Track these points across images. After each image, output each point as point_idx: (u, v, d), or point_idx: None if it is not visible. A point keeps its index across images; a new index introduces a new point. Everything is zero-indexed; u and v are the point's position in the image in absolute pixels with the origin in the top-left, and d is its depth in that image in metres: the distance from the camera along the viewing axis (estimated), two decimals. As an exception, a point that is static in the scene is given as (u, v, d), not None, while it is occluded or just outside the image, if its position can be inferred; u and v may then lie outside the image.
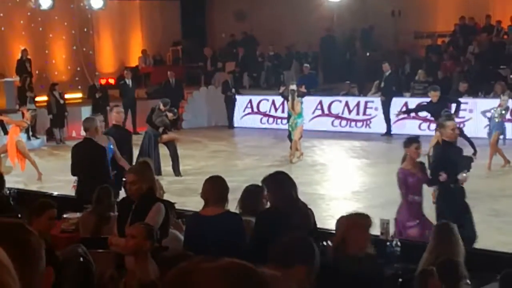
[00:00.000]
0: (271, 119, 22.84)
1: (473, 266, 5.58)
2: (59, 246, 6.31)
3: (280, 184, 6.34)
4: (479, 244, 8.87)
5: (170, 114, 15.70)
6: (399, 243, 7.03)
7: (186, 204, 11.00)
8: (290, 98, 16.77)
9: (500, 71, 22.03)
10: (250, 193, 6.62)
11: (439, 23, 25.73)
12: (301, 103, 16.83)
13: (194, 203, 11.68)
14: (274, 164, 16.30)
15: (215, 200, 5.99)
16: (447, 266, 5.52)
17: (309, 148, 18.14)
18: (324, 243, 6.76)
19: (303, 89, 17.78)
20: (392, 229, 7.59)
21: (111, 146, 10.07)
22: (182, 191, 13.51)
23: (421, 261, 6.14)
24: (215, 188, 6.05)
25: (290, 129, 16.97)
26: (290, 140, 16.96)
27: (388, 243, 7.11)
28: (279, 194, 6.26)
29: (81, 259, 6.09)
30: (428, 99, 18.49)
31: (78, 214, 8.26)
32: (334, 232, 6.22)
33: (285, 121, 20.96)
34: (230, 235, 5.85)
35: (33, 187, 13.64)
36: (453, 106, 15.30)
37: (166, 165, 15.16)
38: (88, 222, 7.75)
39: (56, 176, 14.88)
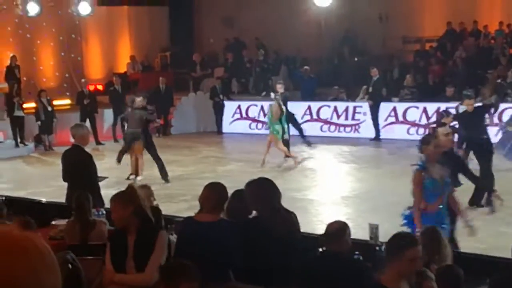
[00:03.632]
0: (260, 125, 22.83)
1: (462, 269, 5.58)
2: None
3: (262, 191, 6.28)
4: (472, 247, 8.90)
5: (138, 99, 15.75)
6: (388, 248, 7.03)
7: (169, 210, 10.96)
8: (277, 102, 16.78)
9: (487, 75, 22.13)
10: (237, 199, 6.58)
11: (427, 28, 25.85)
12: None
13: (179, 209, 11.72)
14: (264, 170, 16.30)
15: (211, 207, 5.94)
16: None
17: (298, 153, 18.15)
18: (319, 249, 6.76)
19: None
20: (381, 234, 7.59)
21: (448, 180, 8.00)
22: (169, 196, 13.50)
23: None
24: (212, 194, 6.00)
25: (281, 135, 16.92)
26: (286, 144, 16.93)
27: (377, 248, 7.12)
28: (261, 201, 6.20)
29: (70, 266, 6.07)
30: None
31: (66, 221, 8.22)
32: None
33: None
34: (223, 244, 5.81)
35: (21, 193, 13.57)
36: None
37: (151, 170, 15.14)
38: (73, 230, 7.72)
39: (45, 183, 14.83)
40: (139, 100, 15.59)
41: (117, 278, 5.81)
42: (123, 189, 6.08)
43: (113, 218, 5.96)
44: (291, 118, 17.95)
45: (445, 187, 7.95)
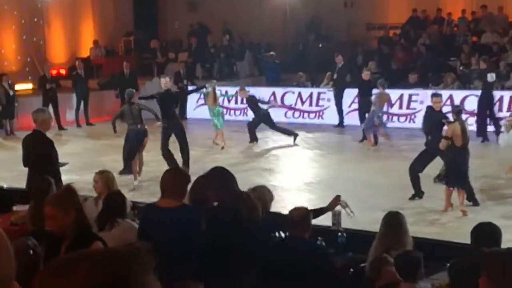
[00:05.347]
0: (225, 110, 22.76)
1: (421, 254, 5.65)
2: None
3: (223, 180, 6.30)
4: (432, 233, 9.00)
5: (163, 79, 15.15)
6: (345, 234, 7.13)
7: (130, 196, 10.93)
8: (211, 90, 17.27)
9: (450, 62, 22.34)
10: (201, 185, 6.59)
11: (391, 15, 26.00)
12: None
13: (140, 195, 11.68)
14: (227, 156, 16.32)
15: (171, 192, 5.91)
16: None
17: (262, 139, 18.18)
18: (277, 233, 6.80)
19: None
20: (343, 220, 7.64)
21: None
22: (131, 183, 13.45)
23: (371, 250, 6.21)
24: (173, 179, 5.97)
25: (220, 118, 17.52)
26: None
27: (339, 234, 7.19)
28: (224, 190, 6.21)
29: (31, 252, 6.01)
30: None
31: (28, 207, 8.15)
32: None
33: (238, 112, 21.18)
34: (184, 229, 5.80)
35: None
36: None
37: (107, 156, 15.05)
38: (35, 216, 7.65)
39: (6, 168, 14.66)
40: (165, 81, 14.74)
41: None
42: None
43: (51, 225, 5.12)
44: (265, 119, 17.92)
45: None
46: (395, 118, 19.91)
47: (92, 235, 5.22)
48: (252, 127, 17.86)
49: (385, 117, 17.39)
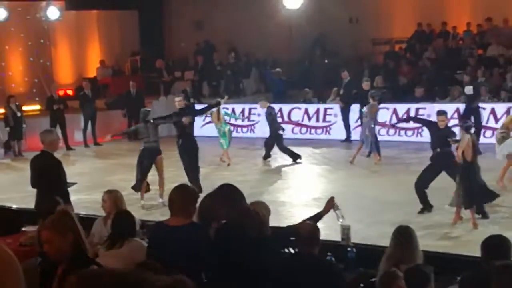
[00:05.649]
0: (232, 128, 22.78)
1: (431, 268, 5.62)
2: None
3: (231, 197, 6.30)
4: (441, 246, 8.96)
5: (177, 99, 15.08)
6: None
7: (141, 215, 10.93)
8: (215, 109, 17.12)
9: (456, 76, 22.33)
10: (209, 203, 6.58)
11: (396, 30, 26.01)
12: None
13: (149, 214, 11.67)
14: (235, 173, 16.31)
15: (179, 210, 5.88)
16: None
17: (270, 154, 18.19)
18: (286, 249, 6.79)
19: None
20: (352, 235, 7.62)
21: None
22: (140, 202, 13.46)
23: (381, 264, 6.18)
24: (180, 198, 5.94)
25: (226, 138, 17.49)
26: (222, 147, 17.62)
27: (349, 249, 7.17)
28: (233, 207, 6.20)
29: (41, 272, 6.01)
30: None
31: (36, 228, 8.16)
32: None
33: (245, 129, 21.19)
34: (193, 247, 5.78)
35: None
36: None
37: (121, 174, 15.04)
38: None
39: (15, 189, 14.69)
40: (179, 100, 14.69)
41: None
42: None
43: (48, 250, 4.93)
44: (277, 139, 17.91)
45: None
46: (402, 132, 19.91)
47: (89, 260, 5.04)
48: (269, 145, 17.90)
49: (377, 128, 17.36)
